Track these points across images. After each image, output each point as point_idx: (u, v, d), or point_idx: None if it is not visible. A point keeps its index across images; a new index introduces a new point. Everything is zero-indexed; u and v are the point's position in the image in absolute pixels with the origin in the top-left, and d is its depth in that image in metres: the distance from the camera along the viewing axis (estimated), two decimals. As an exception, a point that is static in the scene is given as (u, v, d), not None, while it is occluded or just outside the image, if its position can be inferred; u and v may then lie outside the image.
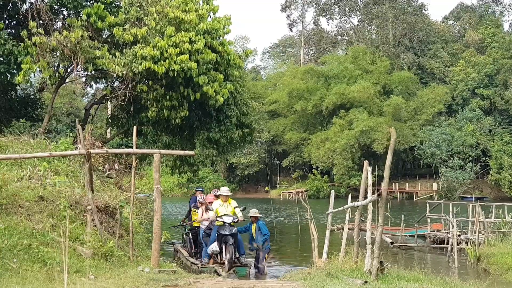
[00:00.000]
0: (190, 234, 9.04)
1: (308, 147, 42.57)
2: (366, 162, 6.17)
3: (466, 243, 11.95)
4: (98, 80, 12.19)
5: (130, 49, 10.90)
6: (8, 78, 11.49)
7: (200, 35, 11.14)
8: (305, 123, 45.01)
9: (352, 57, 46.29)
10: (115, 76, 11.00)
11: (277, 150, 46.79)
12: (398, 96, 42.18)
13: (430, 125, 41.91)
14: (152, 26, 10.92)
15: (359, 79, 42.78)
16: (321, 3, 53.72)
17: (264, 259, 8.00)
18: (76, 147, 8.76)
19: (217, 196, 8.68)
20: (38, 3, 10.99)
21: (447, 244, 12.03)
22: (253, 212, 8.34)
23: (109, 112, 15.84)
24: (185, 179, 15.80)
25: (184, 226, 9.47)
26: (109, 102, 14.85)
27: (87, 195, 6.47)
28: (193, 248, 8.93)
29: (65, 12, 12.41)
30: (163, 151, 6.84)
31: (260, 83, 51.22)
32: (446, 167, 39.56)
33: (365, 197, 5.83)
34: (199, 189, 9.45)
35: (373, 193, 5.54)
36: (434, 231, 14.36)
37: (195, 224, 8.81)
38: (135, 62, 10.67)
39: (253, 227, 8.26)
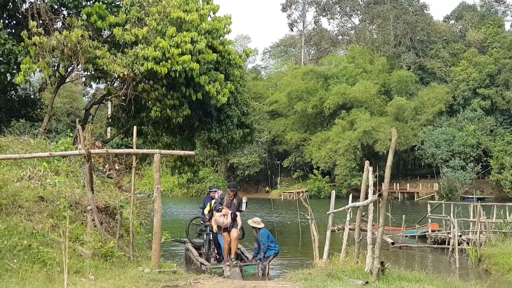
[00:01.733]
0: (211, 234, 8.61)
1: (309, 148, 42.54)
2: (367, 163, 6.14)
3: (467, 243, 11.91)
4: (98, 80, 12.18)
5: (131, 49, 10.88)
6: (8, 78, 11.48)
7: (201, 35, 11.12)
8: (306, 123, 44.97)
9: (351, 56, 46.22)
10: (115, 76, 10.98)
11: (277, 150, 46.76)
12: (398, 95, 42.10)
13: (430, 125, 41.82)
14: (153, 26, 10.90)
15: (359, 79, 42.72)
16: (322, 3, 53.66)
17: (267, 260, 7.99)
18: (76, 147, 8.74)
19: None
20: (38, 2, 10.98)
21: (448, 244, 12.00)
22: (252, 221, 8.28)
23: (109, 112, 15.84)
24: (185, 180, 15.80)
25: (206, 226, 8.93)
26: (109, 102, 14.85)
27: (87, 195, 6.45)
28: (213, 249, 8.56)
29: (65, 12, 12.39)
30: (164, 151, 6.82)
31: (260, 83, 51.17)
32: (447, 167, 39.48)
33: (366, 198, 5.81)
34: (213, 189, 9.30)
35: (374, 193, 5.52)
36: (435, 231, 14.33)
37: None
38: (136, 63, 10.65)
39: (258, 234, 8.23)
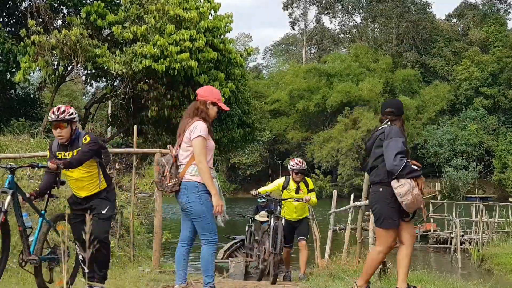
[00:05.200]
0: (253, 226, 8.02)
1: (310, 147, 42.44)
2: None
3: (470, 243, 11.87)
4: (98, 78, 12.14)
5: (130, 47, 10.85)
6: (8, 76, 11.48)
7: (201, 33, 11.08)
8: (307, 122, 44.87)
9: (354, 55, 46.09)
10: (115, 74, 10.95)
11: (279, 149, 46.69)
12: (402, 94, 41.97)
13: (433, 124, 41.68)
14: (152, 24, 10.86)
15: (362, 77, 42.60)
16: (324, 1, 53.52)
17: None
18: (76, 146, 8.67)
19: None
20: (38, 1, 10.96)
21: (450, 244, 11.94)
22: (259, 216, 8.23)
23: (109, 111, 15.81)
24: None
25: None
26: (109, 101, 14.82)
27: (87, 195, 6.39)
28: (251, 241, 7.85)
29: (64, 10, 12.39)
30: (164, 151, 6.73)
31: (262, 81, 51.06)
32: (449, 167, 39.33)
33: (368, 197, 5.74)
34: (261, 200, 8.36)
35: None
36: (437, 231, 14.26)
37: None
38: (135, 61, 10.62)
39: None
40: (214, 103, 3.43)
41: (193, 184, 3.19)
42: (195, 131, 3.23)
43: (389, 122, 3.38)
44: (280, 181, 5.87)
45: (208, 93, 3.44)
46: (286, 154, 46.13)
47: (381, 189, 3.27)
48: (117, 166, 9.17)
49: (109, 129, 15.06)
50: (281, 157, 47.04)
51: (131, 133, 12.26)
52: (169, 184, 3.24)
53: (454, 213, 13.06)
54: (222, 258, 8.36)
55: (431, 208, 14.91)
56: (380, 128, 3.42)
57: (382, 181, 3.26)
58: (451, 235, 12.34)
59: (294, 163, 5.65)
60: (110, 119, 13.83)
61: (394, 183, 3.22)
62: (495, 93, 42.86)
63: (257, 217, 8.28)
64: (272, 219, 5.34)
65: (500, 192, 39.35)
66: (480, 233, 11.71)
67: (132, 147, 6.78)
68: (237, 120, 13.31)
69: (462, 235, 12.14)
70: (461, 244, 11.29)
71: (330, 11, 54.08)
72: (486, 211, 12.72)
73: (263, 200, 8.36)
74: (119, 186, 8.64)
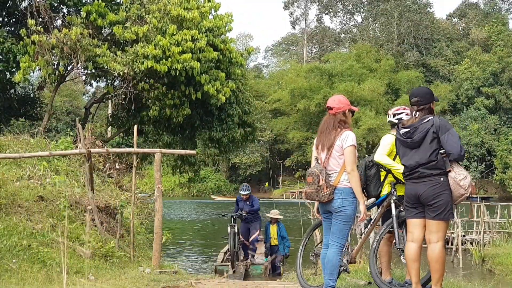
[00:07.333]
0: (235, 227, 7.66)
1: (311, 146, 42.32)
2: (369, 161, 6.04)
3: (471, 243, 11.83)
4: (98, 78, 12.12)
5: (131, 47, 10.83)
6: (7, 76, 11.47)
7: (202, 33, 11.06)
8: (308, 122, 44.81)
9: (356, 55, 46.02)
10: (116, 75, 10.92)
11: (280, 149, 46.66)
12: (405, 94, 41.86)
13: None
14: (153, 24, 10.83)
15: (364, 77, 42.54)
16: (324, 1, 53.49)
17: (280, 261, 8.04)
18: (76, 146, 8.68)
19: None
20: (38, 0, 10.93)
21: (452, 244, 11.90)
22: (272, 214, 8.29)
23: (109, 111, 15.79)
24: (186, 179, 15.73)
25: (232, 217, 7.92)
26: (109, 101, 14.80)
27: (88, 195, 6.40)
28: (238, 242, 7.61)
29: (64, 10, 12.37)
30: (164, 150, 6.74)
31: (262, 81, 51.06)
32: (450, 166, 39.24)
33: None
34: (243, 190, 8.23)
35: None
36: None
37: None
38: (136, 61, 10.60)
39: (273, 228, 8.21)
40: (349, 110, 3.64)
41: (349, 190, 3.40)
42: (348, 140, 3.44)
43: (417, 113, 3.24)
44: (392, 139, 3.72)
45: (342, 103, 3.68)
46: (287, 154, 46.09)
47: (442, 179, 3.17)
48: (117, 166, 9.14)
49: (109, 129, 15.03)
50: (282, 157, 47.00)
51: (131, 133, 12.26)
52: (325, 193, 3.39)
53: (455, 213, 13.01)
54: (222, 261, 8.37)
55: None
56: (425, 120, 3.18)
57: (442, 172, 3.16)
58: (453, 235, 12.29)
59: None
60: (110, 119, 13.81)
61: (456, 175, 3.15)
62: (497, 92, 42.78)
63: (268, 215, 8.30)
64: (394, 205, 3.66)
65: (501, 192, 39.27)
66: (482, 234, 11.67)
67: (132, 147, 6.76)
68: (237, 119, 13.28)
69: (464, 235, 12.09)
70: (462, 245, 11.26)
71: (331, 10, 54.05)
72: (488, 211, 12.67)
73: (247, 192, 7.95)
74: (119, 186, 8.61)
